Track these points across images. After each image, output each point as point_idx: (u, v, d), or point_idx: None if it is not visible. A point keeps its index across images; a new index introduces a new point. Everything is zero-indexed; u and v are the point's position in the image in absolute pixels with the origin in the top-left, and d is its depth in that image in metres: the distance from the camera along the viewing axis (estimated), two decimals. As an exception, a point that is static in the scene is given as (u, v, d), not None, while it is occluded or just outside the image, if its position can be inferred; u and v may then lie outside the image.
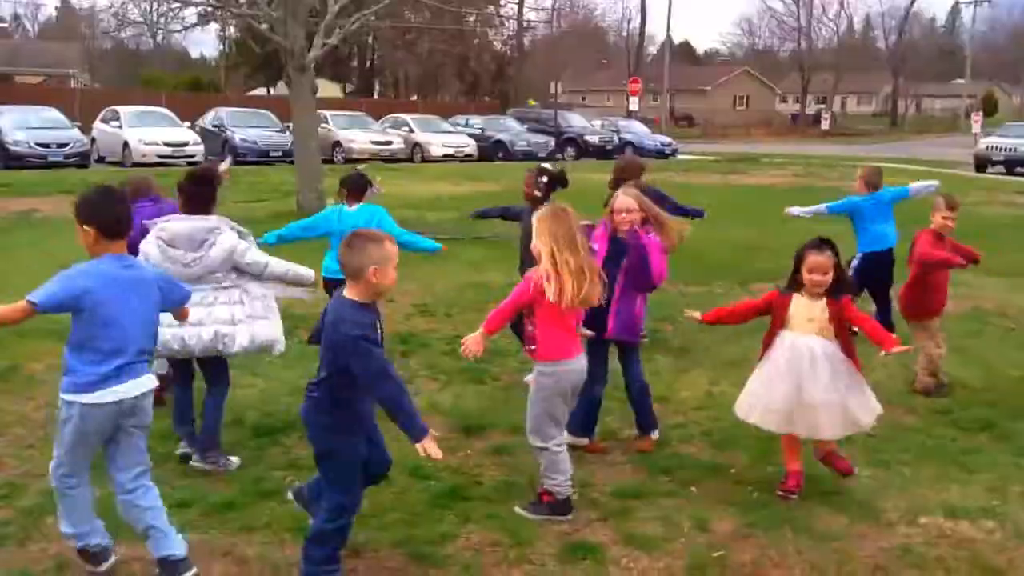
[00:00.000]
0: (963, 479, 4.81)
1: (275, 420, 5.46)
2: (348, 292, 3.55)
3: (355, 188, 6.09)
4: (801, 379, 4.39)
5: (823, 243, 4.46)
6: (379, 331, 3.57)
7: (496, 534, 4.10)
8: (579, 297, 4.06)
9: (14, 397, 5.80)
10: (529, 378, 5.93)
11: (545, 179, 6.09)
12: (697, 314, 4.90)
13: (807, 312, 4.47)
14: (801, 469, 4.59)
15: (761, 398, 4.56)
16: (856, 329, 4.62)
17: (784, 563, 3.90)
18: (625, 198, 5.04)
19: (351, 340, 3.40)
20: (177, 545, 3.58)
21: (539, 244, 4.18)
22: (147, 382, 3.59)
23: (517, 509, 4.33)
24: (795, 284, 4.52)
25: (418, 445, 3.43)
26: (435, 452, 3.42)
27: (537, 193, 6.04)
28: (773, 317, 4.61)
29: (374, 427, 3.77)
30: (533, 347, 4.30)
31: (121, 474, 3.62)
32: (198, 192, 4.80)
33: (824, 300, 4.46)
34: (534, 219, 4.32)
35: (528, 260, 5.99)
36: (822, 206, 8.31)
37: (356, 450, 3.64)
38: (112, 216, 3.53)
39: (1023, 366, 6.97)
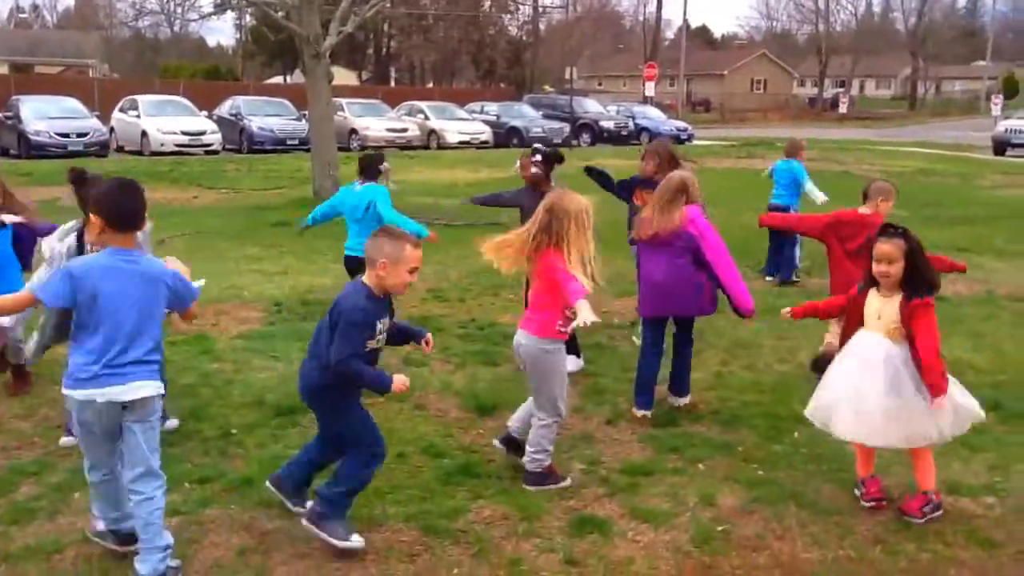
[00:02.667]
0: (966, 457, 4.89)
1: (294, 401, 5.53)
2: (365, 279, 3.77)
3: (363, 168, 6.48)
4: (859, 380, 4.16)
5: (891, 229, 4.12)
6: (378, 329, 3.75)
7: (506, 509, 4.23)
8: None
9: (41, 379, 5.96)
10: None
11: (539, 157, 6.29)
12: (787, 310, 4.71)
13: (877, 308, 4.18)
14: (874, 475, 4.41)
15: (824, 400, 4.33)
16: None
17: (787, 536, 4.01)
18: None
19: (344, 320, 3.63)
20: (149, 567, 3.51)
21: None
22: (143, 388, 3.46)
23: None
24: (872, 278, 4.19)
25: (394, 390, 3.71)
26: (403, 385, 3.72)
27: (536, 171, 6.23)
28: (849, 314, 4.36)
29: None
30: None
31: (124, 472, 3.59)
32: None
33: (899, 297, 4.09)
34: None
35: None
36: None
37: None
38: (121, 209, 3.50)
39: (1032, 347, 7.02)
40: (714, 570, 3.77)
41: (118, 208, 3.51)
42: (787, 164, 9.88)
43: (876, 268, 4.11)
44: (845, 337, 4.38)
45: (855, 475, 4.56)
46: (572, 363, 6.31)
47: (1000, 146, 28.89)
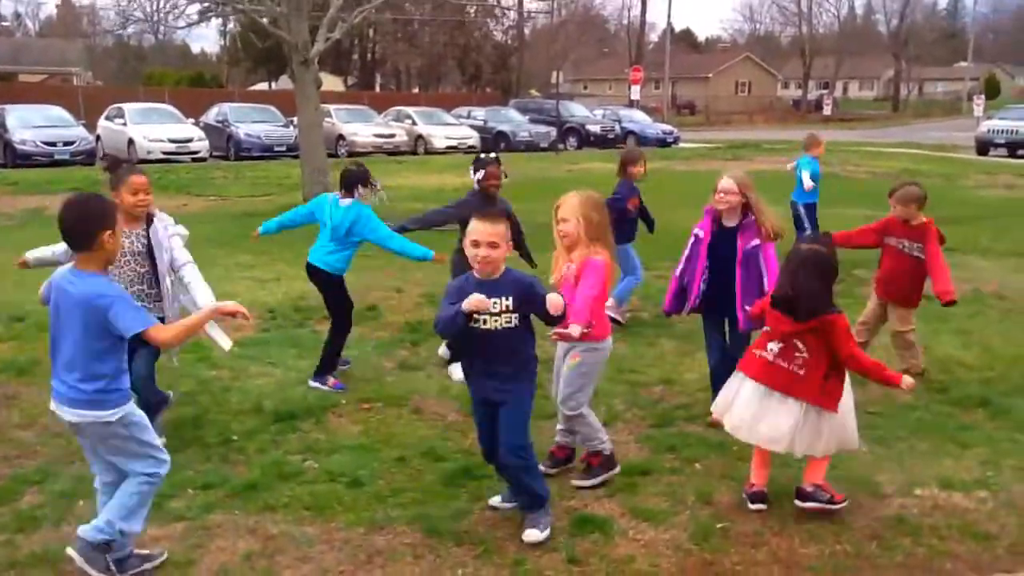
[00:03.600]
0: (958, 453, 4.98)
1: (292, 407, 5.63)
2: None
3: (346, 183, 6.11)
4: None
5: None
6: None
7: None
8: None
9: (38, 389, 5.97)
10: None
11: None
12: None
13: None
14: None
15: None
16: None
17: (784, 532, 4.08)
18: (728, 180, 5.27)
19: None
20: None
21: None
22: (70, 412, 3.49)
23: (575, 483, 4.56)
24: None
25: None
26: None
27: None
28: None
29: None
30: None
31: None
32: None
33: None
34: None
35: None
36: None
37: None
38: (66, 227, 3.45)
39: (1021, 345, 7.12)
40: (715, 566, 3.83)
41: (61, 224, 3.44)
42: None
43: None
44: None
45: (849, 473, 4.66)
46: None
47: (983, 146, 29.17)
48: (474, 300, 3.66)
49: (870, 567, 3.83)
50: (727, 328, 5.45)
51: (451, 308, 3.77)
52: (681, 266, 5.43)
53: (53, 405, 3.56)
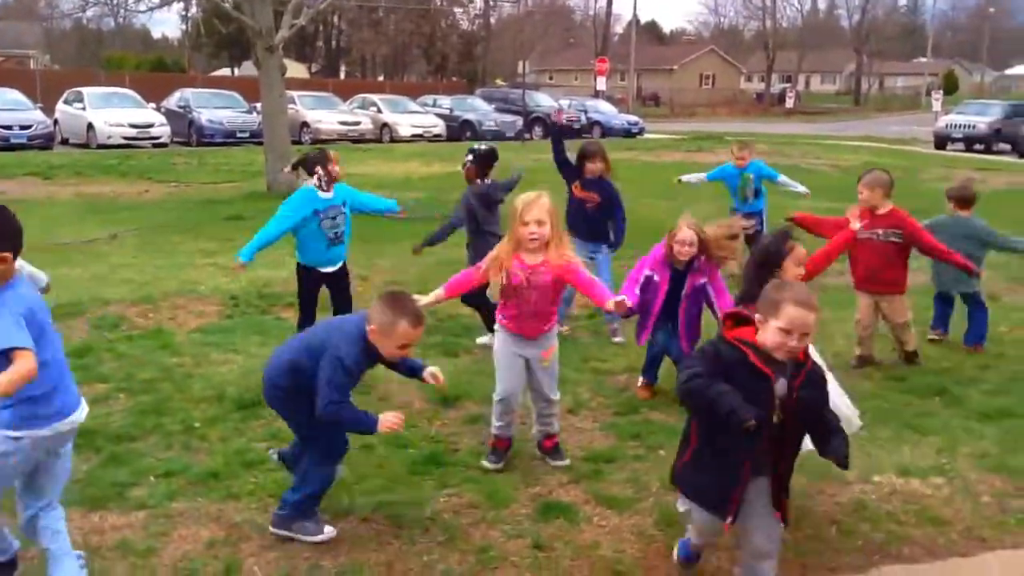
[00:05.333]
0: (915, 440, 5.08)
1: (255, 395, 5.53)
2: (368, 326, 3.63)
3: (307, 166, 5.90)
4: None
5: None
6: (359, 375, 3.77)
7: (473, 496, 4.29)
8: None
9: None
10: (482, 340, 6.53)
11: (470, 156, 6.72)
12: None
13: None
14: None
15: None
16: None
17: (746, 518, 4.12)
18: (689, 232, 5.34)
19: (333, 357, 3.60)
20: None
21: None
22: None
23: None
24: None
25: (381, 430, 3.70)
26: (394, 423, 3.70)
27: (467, 168, 6.73)
28: None
29: None
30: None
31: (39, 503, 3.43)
32: None
33: None
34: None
35: (474, 239, 6.43)
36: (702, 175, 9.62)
37: None
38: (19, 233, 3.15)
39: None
40: (678, 552, 3.87)
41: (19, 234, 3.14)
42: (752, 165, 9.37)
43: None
44: None
45: (810, 460, 4.68)
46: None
47: (941, 141, 29.70)
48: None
49: (830, 551, 3.89)
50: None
51: None
52: (636, 290, 5.44)
53: None
